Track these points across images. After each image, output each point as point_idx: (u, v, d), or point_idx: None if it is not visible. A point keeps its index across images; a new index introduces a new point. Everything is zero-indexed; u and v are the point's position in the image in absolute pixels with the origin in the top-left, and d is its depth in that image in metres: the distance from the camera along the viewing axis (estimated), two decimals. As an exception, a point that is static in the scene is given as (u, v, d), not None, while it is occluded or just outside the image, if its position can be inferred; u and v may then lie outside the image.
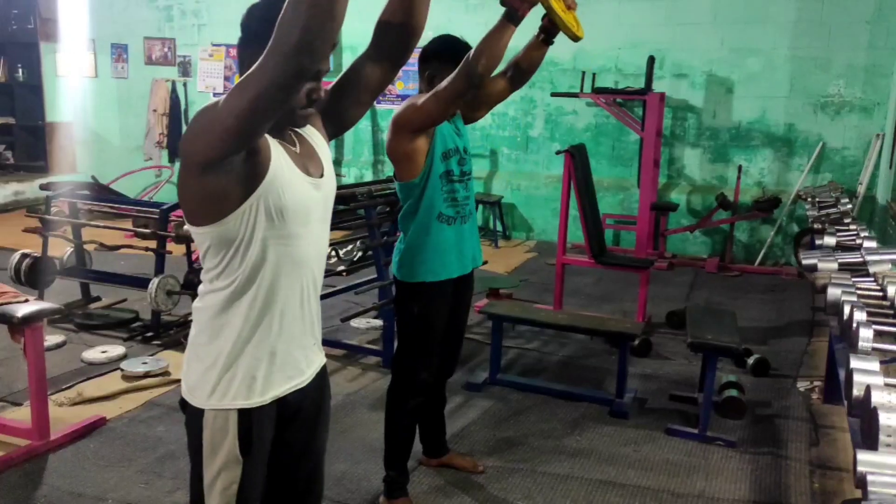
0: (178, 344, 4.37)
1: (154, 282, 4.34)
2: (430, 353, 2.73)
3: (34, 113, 9.27)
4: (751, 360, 4.24)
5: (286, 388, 1.65)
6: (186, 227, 1.58)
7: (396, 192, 2.73)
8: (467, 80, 2.37)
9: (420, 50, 2.68)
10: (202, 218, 1.52)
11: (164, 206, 4.70)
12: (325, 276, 5.25)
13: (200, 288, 1.62)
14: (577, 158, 4.83)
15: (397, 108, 2.59)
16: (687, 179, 7.29)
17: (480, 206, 7.68)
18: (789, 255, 6.87)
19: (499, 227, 7.64)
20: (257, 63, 1.34)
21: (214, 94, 8.75)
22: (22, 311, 3.09)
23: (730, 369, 4.12)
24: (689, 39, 7.00)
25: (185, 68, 8.83)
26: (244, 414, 1.59)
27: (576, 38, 2.57)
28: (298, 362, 1.67)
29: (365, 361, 4.31)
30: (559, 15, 2.41)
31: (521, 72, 2.81)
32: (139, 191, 8.88)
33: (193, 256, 4.75)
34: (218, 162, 1.43)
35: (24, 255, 4.73)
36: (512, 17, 2.32)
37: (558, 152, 5.18)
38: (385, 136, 2.64)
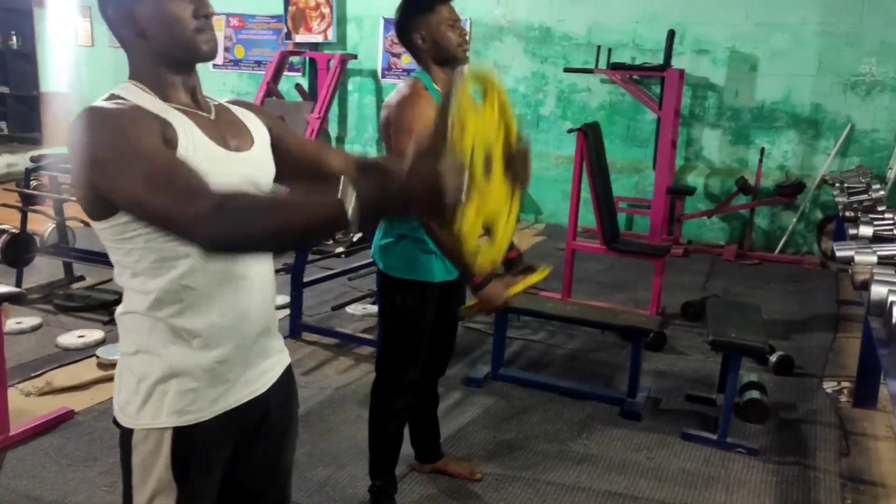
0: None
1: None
2: (416, 350, 2.43)
3: (28, 82, 8.98)
4: (773, 358, 3.94)
5: (238, 399, 1.38)
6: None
7: None
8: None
9: (393, 27, 2.35)
10: (102, 209, 1.24)
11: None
12: (322, 259, 4.98)
13: (124, 292, 1.34)
14: (590, 138, 4.50)
15: (395, 98, 2.24)
16: (705, 162, 6.93)
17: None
18: (812, 243, 6.53)
19: (507, 209, 7.31)
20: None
21: (213, 66, 8.43)
22: (-23, 294, 2.82)
23: (750, 366, 3.81)
24: (712, 13, 6.62)
25: (184, 38, 8.49)
26: (180, 434, 1.31)
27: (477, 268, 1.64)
28: (255, 367, 1.41)
29: (359, 351, 4.03)
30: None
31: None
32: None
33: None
34: None
35: (1, 231, 4.47)
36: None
37: (570, 130, 4.85)
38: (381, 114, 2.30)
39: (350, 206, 1.02)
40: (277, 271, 4.18)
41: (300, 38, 7.86)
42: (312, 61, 7.82)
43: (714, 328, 3.11)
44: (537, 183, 7.34)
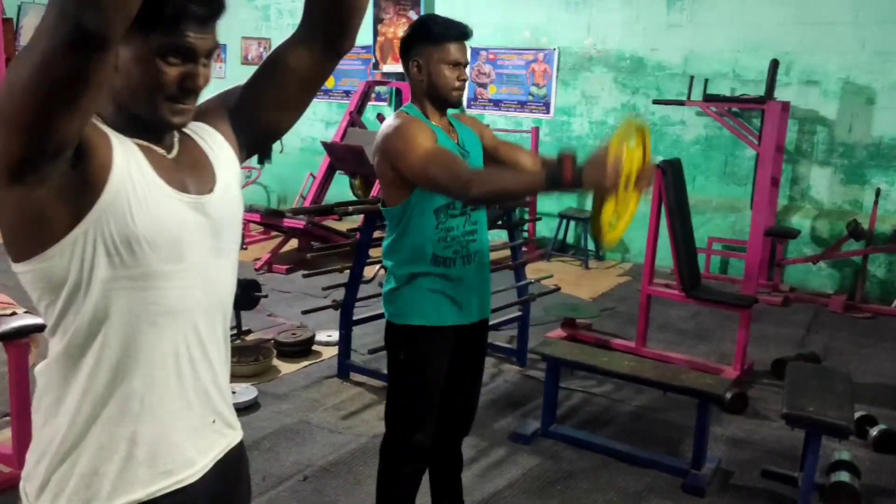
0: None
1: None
2: (424, 408, 2.17)
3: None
4: (874, 431, 3.41)
5: (157, 489, 1.15)
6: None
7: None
8: (460, 193, 1.89)
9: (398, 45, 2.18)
10: (20, 249, 1.05)
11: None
12: (376, 297, 4.77)
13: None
14: (668, 175, 4.14)
15: (385, 131, 2.04)
16: (812, 202, 6.34)
17: (571, 223, 7.03)
18: (935, 296, 5.80)
19: (591, 246, 6.95)
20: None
21: (306, 96, 8.56)
22: (5, 325, 2.79)
23: (844, 441, 3.31)
24: (823, 41, 6.07)
25: (279, 69, 8.68)
26: None
27: (603, 241, 1.79)
28: (181, 450, 1.17)
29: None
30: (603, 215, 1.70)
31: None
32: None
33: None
34: (19, 168, 0.96)
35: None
36: (555, 181, 1.69)
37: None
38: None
39: None
40: (324, 308, 4.02)
41: (387, 67, 7.84)
42: (398, 91, 7.77)
43: (790, 399, 2.68)
44: (625, 220, 6.93)
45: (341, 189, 7.26)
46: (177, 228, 1.10)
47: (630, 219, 1.70)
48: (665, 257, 4.83)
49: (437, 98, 2.09)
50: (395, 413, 2.24)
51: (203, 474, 1.20)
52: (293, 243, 6.59)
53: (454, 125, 2.20)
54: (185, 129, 1.21)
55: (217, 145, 1.24)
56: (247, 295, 4.29)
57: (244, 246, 6.46)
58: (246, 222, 6.28)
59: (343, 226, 6.97)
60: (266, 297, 4.67)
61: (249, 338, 4.36)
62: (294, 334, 4.30)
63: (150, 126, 1.11)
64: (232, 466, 1.28)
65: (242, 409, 3.42)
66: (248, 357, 3.98)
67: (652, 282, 4.46)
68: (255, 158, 8.90)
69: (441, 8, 7.42)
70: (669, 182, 4.12)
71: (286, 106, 1.31)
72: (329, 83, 8.35)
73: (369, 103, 7.71)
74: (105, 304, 1.06)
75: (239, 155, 1.28)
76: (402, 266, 2.12)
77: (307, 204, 7.04)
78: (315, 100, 7.89)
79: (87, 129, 1.00)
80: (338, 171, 6.99)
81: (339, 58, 1.33)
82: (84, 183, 1.02)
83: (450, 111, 2.20)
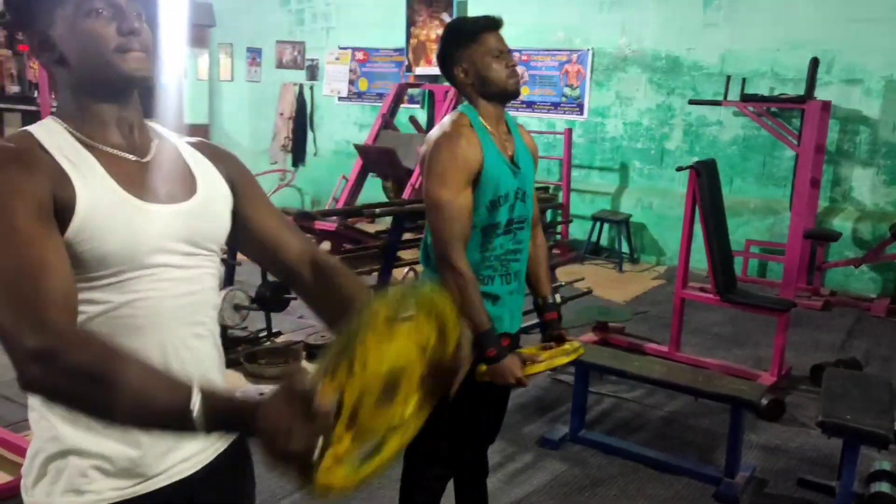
0: (239, 364, 4.05)
1: (221, 294, 4.06)
2: (449, 417, 2.14)
3: (174, 114, 9.56)
4: (917, 441, 3.29)
5: (152, 484, 1.16)
6: None
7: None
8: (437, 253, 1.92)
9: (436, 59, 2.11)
10: None
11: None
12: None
13: None
14: (703, 176, 4.05)
15: (435, 133, 1.98)
16: (854, 204, 6.17)
17: (606, 225, 6.95)
18: (985, 301, 5.60)
19: (625, 249, 6.86)
20: None
21: (339, 99, 8.60)
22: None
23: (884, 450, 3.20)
24: (865, 38, 5.91)
25: (313, 72, 8.75)
26: None
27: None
28: (176, 448, 1.18)
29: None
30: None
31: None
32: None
33: (269, 267, 4.45)
34: None
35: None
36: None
37: (679, 168, 4.39)
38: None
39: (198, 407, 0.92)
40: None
41: (420, 70, 7.84)
42: (430, 93, 7.77)
43: (826, 406, 2.60)
44: (659, 223, 6.85)
45: (374, 192, 7.28)
46: (146, 241, 1.09)
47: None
48: (701, 260, 4.73)
49: (494, 94, 2.00)
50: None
51: (200, 467, 1.21)
52: (325, 246, 6.61)
53: (513, 133, 2.10)
54: (172, 140, 1.23)
55: (204, 169, 1.23)
56: (277, 297, 4.30)
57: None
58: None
59: (374, 228, 6.98)
60: (296, 298, 4.68)
61: (279, 340, 4.38)
62: (324, 336, 4.31)
63: (118, 89, 1.13)
64: (232, 460, 1.28)
65: (270, 411, 3.42)
66: (278, 359, 3.99)
67: (686, 285, 4.37)
68: (290, 160, 8.99)
69: (473, 9, 7.40)
70: (704, 183, 4.04)
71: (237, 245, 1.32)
72: (363, 85, 8.39)
73: (402, 106, 7.71)
74: (84, 316, 1.06)
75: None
76: (436, 273, 2.08)
77: (339, 206, 7.06)
78: (348, 102, 7.99)
79: (45, 185, 1.02)
80: (370, 174, 7.01)
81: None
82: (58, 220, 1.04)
83: (514, 118, 2.15)
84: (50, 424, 1.13)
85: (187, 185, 1.18)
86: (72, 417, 1.11)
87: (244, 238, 1.29)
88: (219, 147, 1.31)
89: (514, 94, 2.04)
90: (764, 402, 3.54)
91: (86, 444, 1.11)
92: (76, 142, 1.10)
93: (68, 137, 1.11)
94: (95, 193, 1.06)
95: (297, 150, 8.82)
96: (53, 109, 1.19)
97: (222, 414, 0.92)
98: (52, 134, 1.10)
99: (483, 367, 1.94)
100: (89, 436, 1.11)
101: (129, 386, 0.92)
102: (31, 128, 1.12)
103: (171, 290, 1.14)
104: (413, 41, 7.87)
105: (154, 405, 0.92)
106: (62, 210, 1.03)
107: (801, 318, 5.20)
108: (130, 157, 1.14)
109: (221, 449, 1.26)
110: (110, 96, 1.13)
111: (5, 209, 0.98)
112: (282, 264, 1.28)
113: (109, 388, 0.91)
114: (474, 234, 2.01)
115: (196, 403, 0.91)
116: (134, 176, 1.12)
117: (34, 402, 1.15)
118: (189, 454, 1.20)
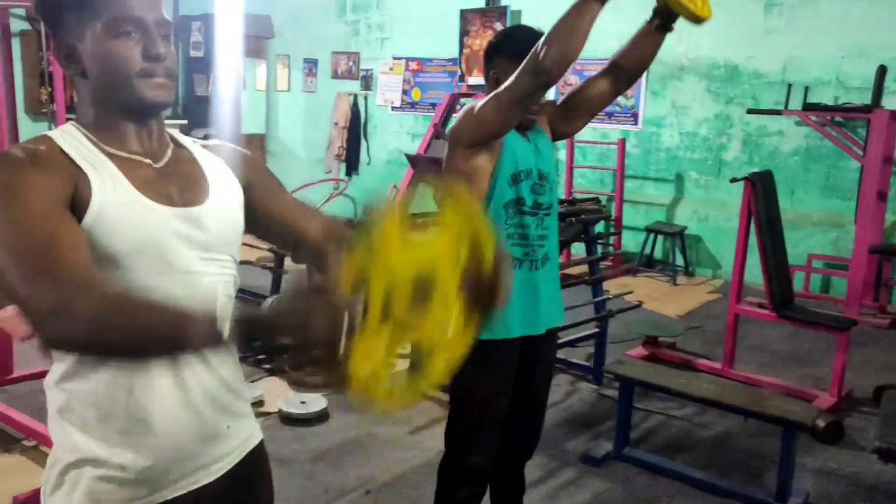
0: (283, 371, 4.08)
1: (268, 301, 4.10)
2: (485, 430, 2.10)
3: (231, 125, 9.76)
4: None
5: (169, 493, 1.17)
6: None
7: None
8: (533, 76, 1.79)
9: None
10: None
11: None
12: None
13: None
14: (758, 188, 3.91)
15: (465, 107, 2.04)
16: (925, 218, 5.88)
17: (659, 237, 6.79)
18: None
19: (679, 262, 6.68)
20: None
21: (392, 109, 8.65)
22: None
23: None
24: (938, 44, 5.64)
25: (367, 82, 8.83)
26: None
27: (698, 20, 1.88)
28: (193, 458, 1.19)
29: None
30: None
31: (626, 69, 2.12)
32: (317, 203, 9.00)
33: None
34: None
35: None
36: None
37: (734, 180, 4.25)
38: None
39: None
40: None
41: (473, 80, 7.83)
42: (483, 103, 7.74)
43: (884, 431, 2.46)
44: (716, 235, 6.67)
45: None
46: (158, 241, 1.10)
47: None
48: (760, 274, 4.57)
49: None
50: (455, 432, 2.17)
51: (217, 477, 1.21)
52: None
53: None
54: (187, 145, 1.24)
55: (217, 171, 1.25)
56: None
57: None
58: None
59: (425, 237, 6.97)
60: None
61: (325, 347, 4.40)
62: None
63: (136, 111, 1.14)
64: (250, 470, 1.28)
65: (311, 420, 3.44)
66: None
67: (740, 300, 4.23)
68: (343, 169, 9.08)
69: (527, 18, 7.35)
70: (759, 195, 3.90)
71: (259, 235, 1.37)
72: (416, 95, 8.42)
73: (454, 115, 7.72)
74: None
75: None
76: None
77: (390, 215, 7.08)
78: (401, 112, 8.06)
79: (63, 182, 1.06)
80: (421, 184, 7.01)
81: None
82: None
83: None
84: (67, 434, 1.14)
85: (201, 189, 1.19)
86: (88, 427, 1.12)
87: (264, 228, 1.31)
88: (236, 148, 1.33)
89: (527, 125, 2.11)
90: (821, 423, 3.37)
91: (101, 454, 1.12)
92: (93, 146, 1.13)
93: (86, 142, 1.13)
94: (109, 192, 1.08)
95: (351, 160, 8.89)
96: (71, 117, 1.22)
97: (244, 320, 0.96)
98: (70, 138, 1.13)
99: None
100: (105, 446, 1.12)
101: (151, 313, 0.95)
102: (50, 133, 1.15)
103: (196, 292, 1.14)
104: (466, 51, 7.87)
105: (181, 324, 0.93)
106: (77, 206, 1.06)
107: (866, 336, 4.97)
108: (146, 160, 1.16)
109: (238, 459, 1.26)
110: (129, 115, 1.15)
111: (19, 197, 1.01)
112: (306, 248, 1.28)
113: (134, 321, 0.93)
114: (502, 211, 2.02)
115: (219, 312, 0.98)
116: (149, 179, 1.14)
117: (53, 411, 1.16)
118: (205, 463, 1.20)
